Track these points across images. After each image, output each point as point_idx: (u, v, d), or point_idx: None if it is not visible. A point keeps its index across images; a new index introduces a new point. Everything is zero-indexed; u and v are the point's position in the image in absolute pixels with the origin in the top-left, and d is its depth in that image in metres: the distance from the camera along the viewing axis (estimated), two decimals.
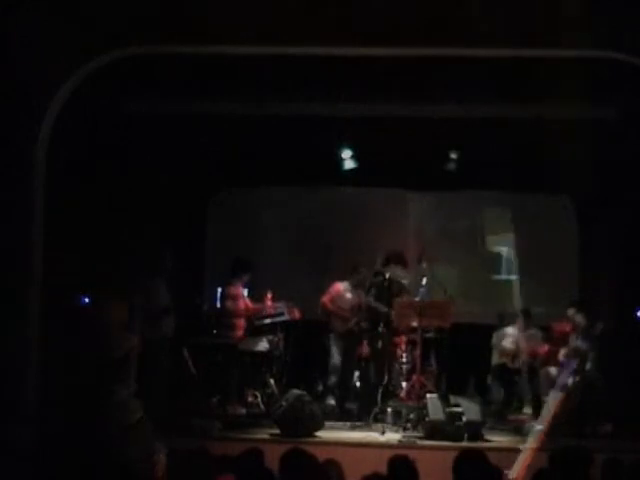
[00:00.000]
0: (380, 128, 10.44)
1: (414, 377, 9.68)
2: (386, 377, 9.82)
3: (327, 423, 9.00)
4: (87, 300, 9.99)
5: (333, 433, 8.84)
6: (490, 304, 12.02)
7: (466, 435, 8.45)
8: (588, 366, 9.62)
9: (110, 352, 7.26)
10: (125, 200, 10.19)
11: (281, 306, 10.50)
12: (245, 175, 12.04)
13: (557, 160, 11.21)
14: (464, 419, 8.58)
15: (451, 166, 11.53)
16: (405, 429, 8.89)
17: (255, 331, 10.49)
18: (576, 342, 9.85)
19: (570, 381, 7.72)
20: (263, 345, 10.31)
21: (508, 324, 10.83)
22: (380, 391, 9.67)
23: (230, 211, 12.45)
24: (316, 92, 9.72)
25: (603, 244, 11.50)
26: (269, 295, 10.47)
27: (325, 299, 10.58)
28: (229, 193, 12.56)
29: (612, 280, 11.25)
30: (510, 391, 10.43)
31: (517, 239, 12.38)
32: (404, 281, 10.30)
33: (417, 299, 9.65)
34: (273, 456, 5.17)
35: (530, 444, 4.84)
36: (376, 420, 9.34)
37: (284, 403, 8.70)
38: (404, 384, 9.86)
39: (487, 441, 8.54)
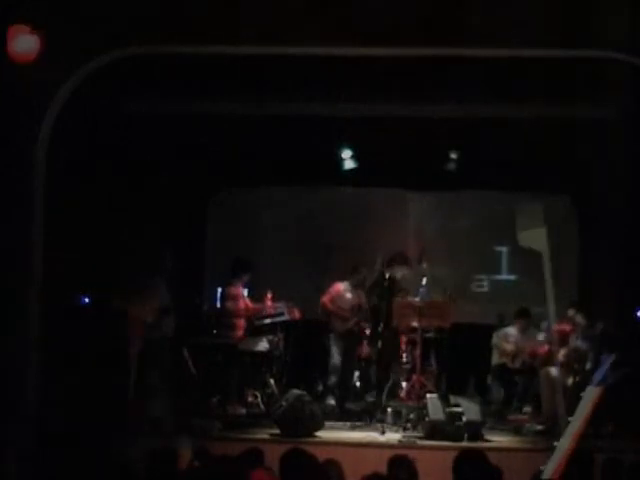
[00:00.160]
0: (380, 128, 10.44)
1: (414, 377, 9.68)
2: (391, 376, 9.81)
3: (327, 423, 8.99)
4: (87, 300, 10.00)
5: (333, 433, 8.84)
6: (490, 304, 12.01)
7: (466, 435, 8.44)
8: (588, 366, 9.61)
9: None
10: (125, 200, 10.19)
11: (281, 306, 10.50)
12: (245, 175, 12.04)
13: (557, 160, 11.23)
14: (464, 419, 8.58)
15: (451, 166, 11.53)
16: (405, 429, 8.89)
17: (255, 331, 10.49)
18: (576, 342, 9.85)
19: (609, 376, 7.61)
20: (263, 345, 10.31)
21: (508, 324, 10.82)
22: (386, 391, 9.66)
23: (230, 211, 12.45)
24: (316, 92, 9.72)
25: (603, 244, 11.50)
26: (269, 295, 10.47)
27: (325, 299, 10.58)
28: (229, 193, 12.55)
29: (612, 280, 11.25)
30: (510, 391, 10.42)
31: (517, 239, 12.35)
32: (403, 278, 10.29)
33: (417, 299, 9.65)
34: (273, 456, 5.17)
35: (565, 443, 4.78)
36: (376, 420, 9.34)
37: (284, 403, 8.70)
38: (404, 384, 9.86)
39: (487, 441, 8.54)
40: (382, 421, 9.28)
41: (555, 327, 10.45)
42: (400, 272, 10.16)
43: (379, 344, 10.09)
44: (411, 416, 9.06)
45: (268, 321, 10.47)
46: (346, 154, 11.53)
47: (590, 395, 4.81)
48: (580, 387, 9.41)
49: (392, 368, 9.97)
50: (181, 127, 10.62)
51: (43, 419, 7.51)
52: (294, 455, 5.07)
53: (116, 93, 9.53)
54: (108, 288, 9.92)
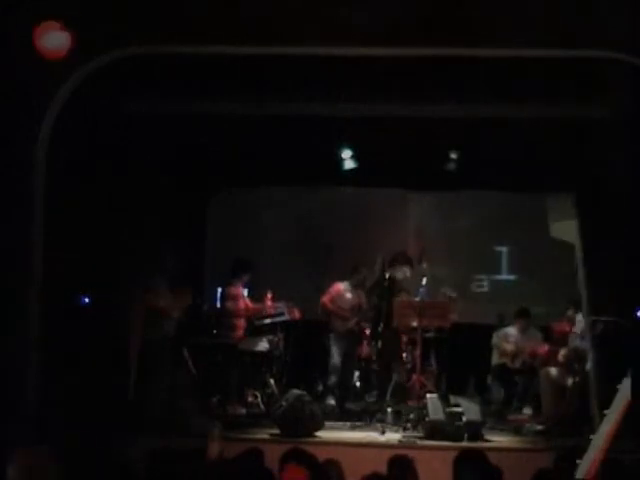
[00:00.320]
0: (380, 128, 10.43)
1: (414, 377, 9.68)
2: (394, 376, 9.81)
3: (327, 423, 9.00)
4: (87, 300, 10.00)
5: (333, 433, 8.84)
6: (490, 304, 12.02)
7: (466, 435, 8.45)
8: (588, 366, 9.62)
9: None
10: (125, 200, 10.18)
11: (281, 306, 10.51)
12: (245, 175, 12.03)
13: (557, 160, 11.22)
14: (464, 419, 8.59)
15: (451, 166, 11.52)
16: (405, 429, 8.90)
17: (255, 331, 10.50)
18: (576, 342, 9.85)
19: None
20: (263, 345, 10.32)
21: (508, 324, 10.82)
22: (390, 390, 9.66)
23: (230, 211, 12.45)
24: (316, 92, 9.71)
25: (603, 244, 11.48)
26: (269, 295, 10.48)
27: (325, 299, 10.59)
28: (229, 193, 12.55)
29: (612, 280, 11.24)
30: (510, 391, 10.43)
31: (517, 239, 12.37)
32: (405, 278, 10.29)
33: (417, 299, 9.65)
34: (273, 456, 5.16)
35: (599, 440, 4.73)
36: (376, 420, 9.34)
37: (284, 403, 8.70)
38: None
39: (487, 441, 8.54)
40: (382, 421, 9.29)
41: (555, 327, 10.51)
42: (402, 272, 10.17)
43: (380, 344, 10.09)
44: (411, 416, 9.06)
45: (268, 321, 10.48)
46: (346, 154, 11.52)
47: (627, 388, 4.68)
48: (580, 387, 9.44)
49: (394, 368, 9.96)
50: (181, 127, 10.61)
51: (43, 419, 7.51)
52: (294, 455, 5.07)
53: (116, 93, 9.52)
54: (108, 288, 9.93)
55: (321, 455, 5.26)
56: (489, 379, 10.88)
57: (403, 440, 8.50)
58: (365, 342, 10.41)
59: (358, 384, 10.48)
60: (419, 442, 8.44)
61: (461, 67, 8.51)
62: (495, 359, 10.74)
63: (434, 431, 8.56)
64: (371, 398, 10.15)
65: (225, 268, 10.75)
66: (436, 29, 7.62)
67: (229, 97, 9.96)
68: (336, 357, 10.43)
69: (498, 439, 8.73)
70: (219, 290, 10.69)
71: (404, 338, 10.05)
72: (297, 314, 10.54)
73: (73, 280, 9.34)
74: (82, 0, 7.67)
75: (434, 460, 7.19)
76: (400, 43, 7.72)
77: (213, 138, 11.03)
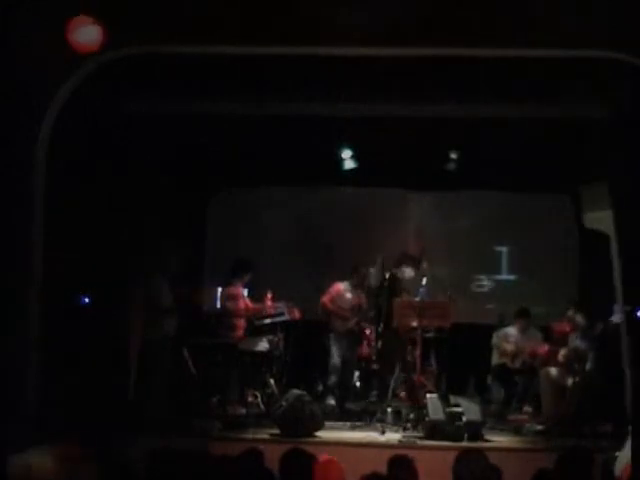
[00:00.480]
0: (380, 128, 10.43)
1: (414, 377, 9.67)
2: (396, 373, 9.80)
3: (327, 423, 9.00)
4: (87, 300, 10.00)
5: (333, 433, 8.85)
6: (490, 304, 12.02)
7: (466, 435, 8.45)
8: (588, 366, 9.62)
9: None
10: (125, 200, 10.18)
11: (281, 306, 10.51)
12: (245, 175, 12.04)
13: (557, 160, 11.22)
14: (464, 419, 8.59)
15: (451, 166, 11.53)
16: (405, 429, 8.90)
17: (255, 331, 10.50)
18: (576, 342, 9.85)
19: None
20: (263, 345, 10.32)
21: (508, 324, 10.82)
22: (391, 389, 9.65)
23: (230, 211, 12.44)
24: (316, 92, 9.71)
25: (603, 244, 11.48)
26: (269, 295, 10.48)
27: (325, 299, 10.59)
28: (229, 193, 12.55)
29: (612, 280, 11.24)
30: (510, 391, 10.43)
31: (517, 239, 12.37)
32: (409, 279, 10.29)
33: (417, 299, 9.65)
34: (273, 456, 5.16)
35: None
36: (376, 420, 9.34)
37: (284, 403, 8.70)
38: (404, 384, 9.86)
39: (487, 441, 8.55)
40: (382, 421, 9.29)
41: (555, 327, 10.51)
42: (407, 273, 10.15)
43: (380, 344, 10.09)
44: (411, 416, 9.06)
45: (268, 321, 10.48)
46: (346, 154, 11.52)
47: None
48: (580, 387, 9.44)
49: (396, 368, 9.94)
50: (181, 127, 10.61)
51: (43, 419, 7.51)
52: (294, 455, 5.07)
53: (116, 93, 9.52)
54: (108, 288, 9.93)
55: (321, 455, 5.26)
56: (489, 379, 10.88)
57: (403, 440, 8.51)
58: (365, 342, 10.41)
59: (358, 384, 10.48)
60: (419, 442, 8.44)
61: (461, 67, 8.50)
62: (495, 359, 10.74)
63: (434, 431, 8.56)
64: (371, 398, 10.14)
65: (225, 268, 10.75)
66: (436, 29, 7.61)
67: (229, 97, 9.96)
68: (336, 357, 10.43)
69: (498, 439, 8.74)
70: (219, 290, 10.68)
71: (404, 338, 10.04)
72: (297, 314, 10.53)
73: (73, 280, 9.34)
74: (82, 0, 7.67)
75: (434, 460, 7.18)
76: (400, 43, 7.71)
77: (213, 138, 11.03)
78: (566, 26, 7.56)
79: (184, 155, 11.35)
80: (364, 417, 9.55)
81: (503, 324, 10.97)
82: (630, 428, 4.84)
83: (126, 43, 7.75)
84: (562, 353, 9.82)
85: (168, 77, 9.15)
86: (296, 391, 8.92)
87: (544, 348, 10.22)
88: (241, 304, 10.40)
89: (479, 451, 5.11)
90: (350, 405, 10.28)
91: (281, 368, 10.47)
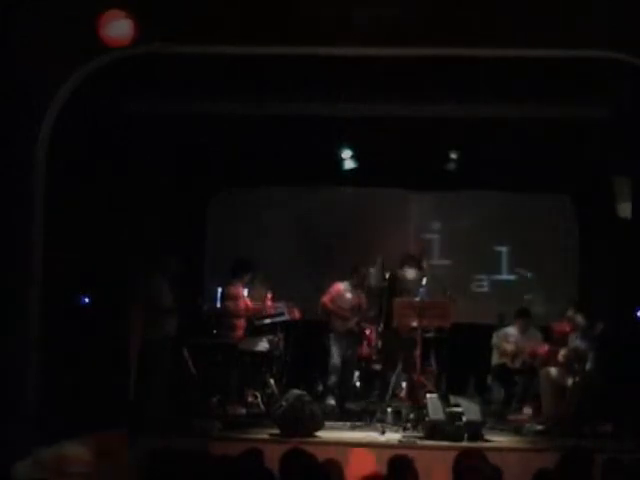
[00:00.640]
0: (380, 128, 10.44)
1: (414, 377, 9.67)
2: (397, 372, 9.79)
3: (327, 423, 8.99)
4: (87, 300, 10.01)
5: (333, 433, 8.84)
6: (490, 304, 12.01)
7: (466, 435, 8.44)
8: (588, 366, 9.62)
9: None
10: (125, 200, 10.19)
11: (281, 306, 10.50)
12: (245, 175, 12.04)
13: (557, 160, 11.23)
14: (464, 419, 8.58)
15: (451, 166, 11.53)
16: (405, 429, 8.89)
17: (255, 331, 10.49)
18: (576, 342, 9.85)
19: None
20: (263, 345, 10.31)
21: (508, 324, 10.82)
22: (391, 388, 9.64)
23: (230, 211, 12.44)
24: (316, 92, 9.72)
25: (603, 244, 11.50)
26: (269, 295, 10.47)
27: (325, 299, 10.59)
28: (229, 193, 12.54)
29: (612, 280, 11.25)
30: (510, 391, 10.42)
31: (517, 239, 12.37)
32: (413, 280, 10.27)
33: (417, 299, 9.64)
34: (273, 456, 5.16)
35: None
36: (376, 420, 9.34)
37: (284, 403, 8.70)
38: (404, 384, 9.86)
39: (487, 441, 8.53)
40: (382, 421, 9.28)
41: (555, 327, 10.51)
42: (410, 273, 10.14)
43: (382, 344, 10.09)
44: (411, 416, 9.06)
45: (268, 321, 10.47)
46: (346, 154, 11.52)
47: None
48: (580, 387, 9.44)
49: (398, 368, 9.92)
50: (181, 127, 10.62)
51: (43, 419, 7.51)
52: (294, 455, 5.07)
53: (116, 93, 9.53)
54: (108, 288, 9.94)
55: (321, 455, 5.26)
56: (489, 379, 10.87)
57: (403, 440, 8.50)
58: (365, 342, 10.41)
59: (358, 384, 10.47)
60: (419, 442, 8.43)
61: (461, 67, 8.51)
62: (495, 359, 10.73)
63: (434, 431, 8.55)
64: (372, 398, 10.13)
65: (225, 268, 10.75)
66: (436, 29, 7.62)
67: (229, 97, 9.97)
68: (336, 357, 10.43)
69: (498, 439, 8.73)
70: (219, 290, 10.68)
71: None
72: (297, 314, 10.53)
73: (73, 280, 9.35)
74: (82, 0, 7.68)
75: (434, 460, 7.19)
76: (400, 43, 7.72)
77: (213, 138, 11.03)
78: (566, 26, 7.56)
79: (184, 155, 11.36)
80: (364, 417, 9.54)
81: (503, 324, 10.97)
82: None
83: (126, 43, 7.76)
84: (562, 353, 9.81)
85: (168, 77, 9.16)
86: (296, 391, 8.91)
87: (544, 348, 10.22)
88: (241, 304, 10.40)
89: (479, 451, 5.11)
90: (350, 405, 10.27)
91: (281, 368, 10.47)
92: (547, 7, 7.55)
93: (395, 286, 10.14)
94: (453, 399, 9.02)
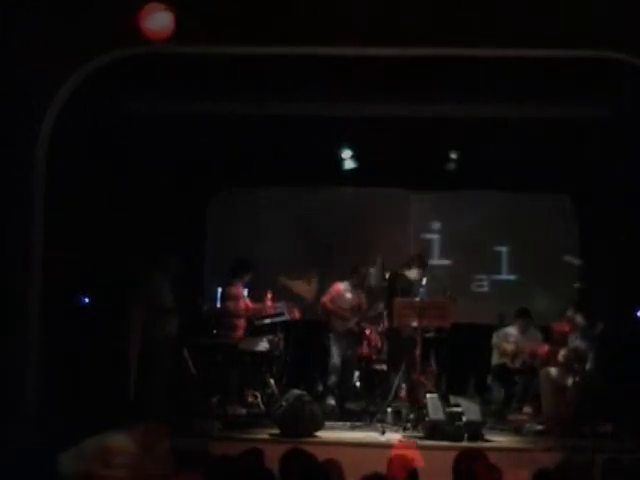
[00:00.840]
0: (380, 128, 10.44)
1: (414, 377, 9.67)
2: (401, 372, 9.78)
3: (327, 423, 8.99)
4: (87, 300, 10.01)
5: (333, 433, 8.84)
6: (490, 304, 12.01)
7: (466, 435, 8.44)
8: (588, 366, 9.62)
9: None
10: (125, 200, 10.19)
11: (281, 306, 10.50)
12: (245, 175, 12.04)
13: (557, 160, 11.23)
14: (464, 419, 8.58)
15: (451, 166, 11.53)
16: (405, 429, 8.89)
17: (255, 331, 10.49)
18: (576, 342, 9.85)
19: None
20: (263, 345, 10.31)
21: (508, 324, 10.82)
22: (394, 388, 9.63)
23: (230, 211, 12.44)
24: (316, 92, 9.72)
25: (603, 244, 11.50)
26: (269, 295, 10.47)
27: (325, 299, 10.59)
28: (229, 193, 12.54)
29: (612, 280, 11.25)
30: (510, 391, 10.42)
31: (517, 239, 12.37)
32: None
33: (417, 299, 9.64)
34: (273, 456, 5.16)
35: None
36: (376, 420, 9.34)
37: (284, 403, 8.70)
38: (404, 384, 9.86)
39: (487, 441, 8.53)
40: (382, 421, 9.28)
41: (555, 327, 10.50)
42: (417, 274, 10.13)
43: (387, 344, 10.09)
44: (411, 416, 9.06)
45: (268, 321, 10.47)
46: (346, 154, 11.53)
47: None
48: (580, 387, 9.44)
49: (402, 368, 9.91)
50: (181, 127, 10.62)
51: (43, 419, 7.51)
52: (294, 455, 5.07)
53: (116, 93, 9.53)
54: (108, 288, 9.94)
55: (321, 455, 5.26)
56: (489, 379, 10.87)
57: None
58: (365, 342, 10.40)
59: (358, 384, 10.47)
60: (419, 442, 8.43)
61: (461, 67, 8.51)
62: (495, 359, 10.73)
63: (434, 431, 8.55)
64: (374, 398, 10.11)
65: (225, 268, 10.74)
66: (436, 29, 7.62)
67: (229, 97, 9.98)
68: (336, 357, 10.42)
69: (498, 439, 8.73)
70: (219, 290, 10.68)
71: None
72: (297, 314, 10.53)
73: (73, 280, 9.35)
74: (82, 0, 7.68)
75: (434, 460, 7.18)
76: (400, 43, 7.72)
77: (213, 138, 11.03)
78: (566, 26, 7.56)
79: (184, 155, 11.35)
80: (364, 417, 9.54)
81: (503, 324, 10.97)
82: None
83: (127, 43, 7.76)
84: (562, 353, 9.82)
85: (168, 77, 9.16)
86: (296, 391, 8.91)
87: (544, 348, 10.22)
88: (241, 304, 10.40)
89: (479, 451, 5.11)
90: (350, 405, 10.27)
91: (281, 368, 10.46)
92: (547, 7, 7.55)
93: (398, 286, 10.13)
94: (453, 399, 9.02)
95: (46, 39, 7.57)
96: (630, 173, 10.55)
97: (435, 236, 12.53)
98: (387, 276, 10.31)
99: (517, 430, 9.24)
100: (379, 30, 7.62)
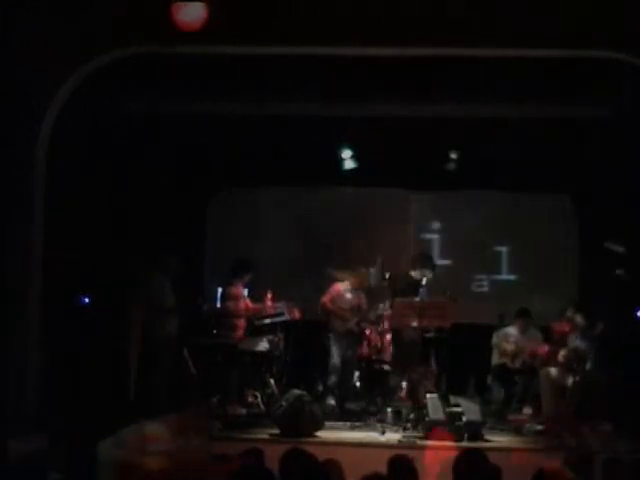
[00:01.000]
0: (380, 128, 10.44)
1: (414, 377, 9.67)
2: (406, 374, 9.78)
3: (327, 423, 8.99)
4: (87, 300, 10.01)
5: (333, 433, 8.83)
6: (490, 304, 12.01)
7: (466, 435, 8.44)
8: (588, 366, 9.62)
9: None
10: (125, 200, 10.20)
11: (281, 306, 10.49)
12: (245, 175, 12.04)
13: (557, 160, 11.23)
14: (464, 419, 8.58)
15: (451, 166, 11.53)
16: (405, 429, 8.89)
17: (255, 331, 10.49)
18: (576, 342, 9.85)
19: None
20: (263, 345, 10.31)
21: (508, 324, 10.82)
22: (404, 388, 9.63)
23: (230, 211, 12.44)
24: (316, 92, 9.73)
25: (603, 244, 11.49)
26: (269, 295, 10.47)
27: (325, 299, 10.59)
28: (229, 193, 12.54)
29: (612, 280, 11.25)
30: (510, 391, 10.42)
31: (517, 239, 12.38)
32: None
33: (417, 299, 9.64)
34: (273, 456, 5.16)
35: None
36: (376, 420, 9.34)
37: (284, 403, 8.69)
38: (404, 384, 9.86)
39: (487, 441, 8.53)
40: (382, 421, 9.28)
41: (555, 327, 10.51)
42: (424, 275, 10.13)
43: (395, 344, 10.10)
44: (411, 416, 9.06)
45: (268, 321, 10.47)
46: (346, 154, 11.53)
47: None
48: (580, 387, 9.44)
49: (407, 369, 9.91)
50: (181, 127, 10.63)
51: (43, 419, 7.51)
52: (294, 455, 5.07)
53: (116, 93, 9.53)
54: (108, 288, 9.94)
55: (321, 455, 5.26)
56: (489, 379, 10.87)
57: (403, 440, 8.50)
58: (365, 342, 10.40)
59: (358, 384, 10.47)
60: (419, 442, 8.43)
61: (461, 67, 8.51)
62: (495, 359, 10.73)
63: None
64: (375, 397, 10.11)
65: (225, 268, 10.74)
66: (436, 29, 7.63)
67: (229, 97, 9.98)
68: (336, 357, 10.42)
69: (498, 439, 8.72)
70: (219, 290, 10.68)
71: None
72: (297, 314, 10.52)
73: (73, 280, 9.35)
74: (82, 0, 7.69)
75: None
76: (400, 43, 7.73)
77: (213, 138, 11.04)
78: (566, 26, 7.57)
79: (184, 155, 11.36)
80: (364, 417, 9.54)
81: (503, 324, 10.97)
82: None
83: (127, 43, 7.77)
84: (562, 353, 9.82)
85: (168, 77, 9.16)
86: (296, 391, 8.91)
87: (544, 348, 10.22)
88: (241, 304, 10.40)
89: (479, 451, 5.11)
90: (350, 405, 10.27)
91: (281, 368, 10.46)
92: (547, 7, 7.56)
93: (400, 287, 10.13)
94: (453, 399, 9.01)
95: (46, 39, 7.58)
96: (630, 173, 10.55)
97: (435, 236, 12.53)
98: (387, 276, 10.32)
99: (517, 430, 9.23)
100: (379, 30, 7.62)
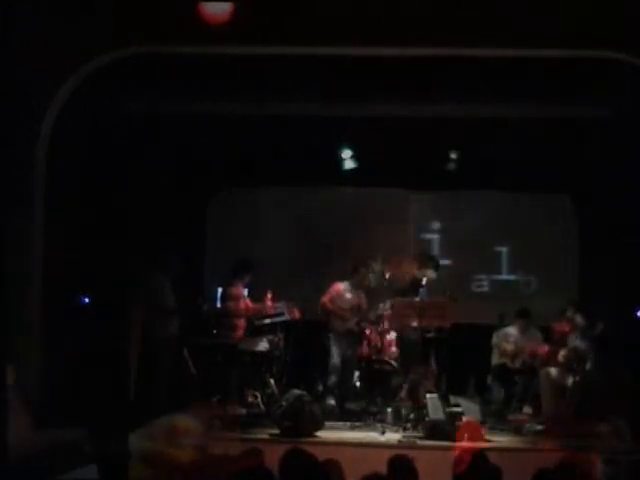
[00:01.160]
0: (380, 128, 10.44)
1: (414, 377, 9.66)
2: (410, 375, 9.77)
3: (327, 423, 8.99)
4: (87, 300, 10.00)
5: (333, 433, 8.84)
6: (490, 304, 12.01)
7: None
8: (588, 366, 9.61)
9: None
10: (125, 200, 10.19)
11: (281, 306, 10.49)
12: (245, 175, 12.04)
13: (557, 160, 11.23)
14: (464, 419, 8.58)
15: (451, 166, 11.53)
16: (405, 429, 8.89)
17: (255, 331, 10.49)
18: (576, 342, 9.85)
19: None
20: (263, 345, 10.31)
21: (508, 324, 10.82)
22: (405, 388, 9.63)
23: (230, 211, 12.44)
24: (316, 92, 9.73)
25: (603, 244, 11.50)
26: (269, 295, 10.47)
27: (325, 299, 10.58)
28: (229, 193, 12.55)
29: (612, 280, 11.25)
30: (510, 391, 10.42)
31: (517, 239, 12.38)
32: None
33: (417, 299, 9.64)
34: (273, 456, 5.16)
35: None
36: (376, 420, 9.34)
37: (284, 403, 8.69)
38: (404, 384, 9.86)
39: (487, 441, 8.53)
40: (382, 421, 9.28)
41: (555, 327, 10.51)
42: (427, 275, 10.11)
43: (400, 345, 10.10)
44: (411, 416, 9.06)
45: (268, 321, 10.46)
46: (346, 154, 11.53)
47: None
48: (580, 387, 9.44)
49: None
50: (181, 127, 10.63)
51: (43, 419, 7.51)
52: (294, 455, 5.07)
53: (116, 93, 9.53)
54: (108, 288, 9.94)
55: (321, 455, 5.26)
56: (489, 379, 10.86)
57: (403, 440, 8.50)
58: (365, 342, 10.40)
59: (358, 384, 10.47)
60: (419, 442, 8.43)
61: (461, 67, 8.51)
62: (495, 359, 10.73)
63: (434, 431, 8.55)
64: (375, 397, 10.11)
65: (225, 268, 10.74)
66: (436, 29, 7.63)
67: (229, 97, 9.98)
68: (336, 357, 10.42)
69: (498, 439, 8.73)
70: (219, 290, 10.68)
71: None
72: (297, 314, 10.52)
73: (73, 280, 9.35)
74: (82, 0, 7.69)
75: (434, 460, 7.18)
76: (400, 43, 7.73)
77: (213, 138, 11.04)
78: (566, 26, 7.57)
79: (184, 155, 11.36)
80: (364, 417, 9.54)
81: (503, 324, 10.96)
82: None
83: (127, 43, 7.77)
84: (562, 353, 9.82)
85: (168, 77, 9.17)
86: (296, 391, 8.91)
87: (544, 348, 10.22)
88: (242, 304, 10.40)
89: (479, 451, 5.11)
90: (350, 405, 10.27)
91: (281, 368, 10.46)
92: (547, 7, 7.56)
93: (402, 287, 10.13)
94: (453, 399, 9.02)
95: (46, 39, 7.58)
96: (630, 173, 10.55)
97: (435, 236, 12.53)
98: (387, 276, 10.32)
99: (517, 430, 9.23)
100: (379, 30, 7.63)
